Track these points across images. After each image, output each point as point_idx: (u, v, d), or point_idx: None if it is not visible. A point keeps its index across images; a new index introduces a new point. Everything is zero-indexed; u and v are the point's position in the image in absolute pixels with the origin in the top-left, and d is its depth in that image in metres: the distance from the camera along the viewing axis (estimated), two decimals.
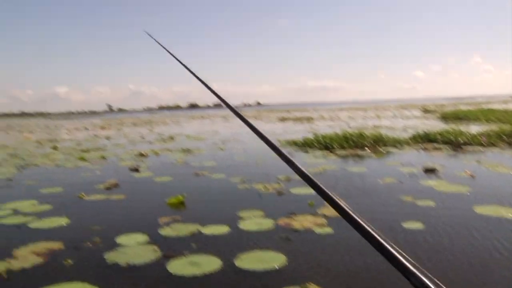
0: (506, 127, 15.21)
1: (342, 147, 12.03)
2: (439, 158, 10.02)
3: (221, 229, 4.90)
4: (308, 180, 0.77)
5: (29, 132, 33.45)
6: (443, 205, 5.72)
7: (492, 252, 4.00)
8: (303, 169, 0.79)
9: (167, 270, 3.75)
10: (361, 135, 12.89)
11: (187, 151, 13.32)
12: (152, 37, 1.96)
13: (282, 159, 0.88)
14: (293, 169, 0.81)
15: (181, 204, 6.18)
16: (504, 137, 13.07)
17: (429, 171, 8.17)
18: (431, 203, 5.77)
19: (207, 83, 1.35)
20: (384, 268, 3.68)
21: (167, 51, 1.74)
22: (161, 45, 1.80)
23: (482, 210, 5.40)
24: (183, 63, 1.62)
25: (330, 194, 0.72)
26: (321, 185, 0.75)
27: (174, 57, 1.68)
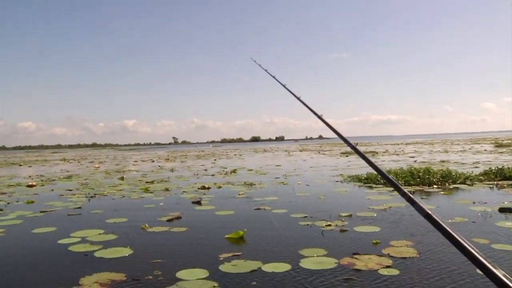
0: None
1: (408, 183, 11.55)
2: None
3: (282, 267, 4.76)
4: (433, 221, 0.71)
5: (99, 163, 35.18)
6: None
7: None
8: (426, 209, 0.72)
9: None
10: (428, 171, 12.33)
11: (249, 185, 13.35)
12: (260, 65, 2.04)
13: (405, 199, 0.82)
14: (415, 208, 0.76)
15: (242, 239, 6.13)
16: None
17: (506, 210, 7.60)
18: (510, 248, 5.31)
19: (316, 112, 1.33)
20: None
21: (275, 79, 1.77)
22: (270, 74, 1.85)
23: None
24: (292, 91, 1.63)
25: (458, 237, 0.66)
26: (447, 228, 0.70)
27: (283, 85, 1.69)
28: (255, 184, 13.37)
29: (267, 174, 17.75)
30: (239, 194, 11.07)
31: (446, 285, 4.09)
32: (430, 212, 0.72)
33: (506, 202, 8.21)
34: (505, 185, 11.01)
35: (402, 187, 0.86)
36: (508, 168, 12.83)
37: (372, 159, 0.98)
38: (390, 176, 0.86)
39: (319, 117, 1.28)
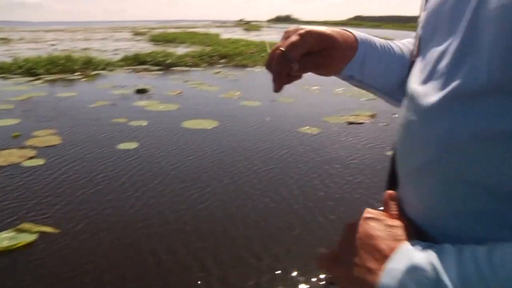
0: (207, 49, 16.77)
1: (49, 72, 11.04)
2: (149, 79, 10.35)
3: None
4: None
5: None
6: (155, 123, 6.02)
7: (191, 158, 4.51)
8: None
9: None
10: (69, 58, 12.06)
11: None
12: None
13: None
14: None
15: None
16: (206, 58, 14.44)
17: (141, 92, 8.38)
18: (143, 123, 5.99)
19: None
20: (103, 188, 3.70)
21: None
22: None
23: (188, 124, 5.97)
24: None
25: None
26: None
27: None
28: None
29: None
30: None
31: (97, 164, 4.34)
32: None
33: (141, 84, 9.03)
34: (141, 70, 12.02)
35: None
36: (143, 53, 13.95)
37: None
38: None
39: None
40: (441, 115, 0.48)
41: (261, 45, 18.99)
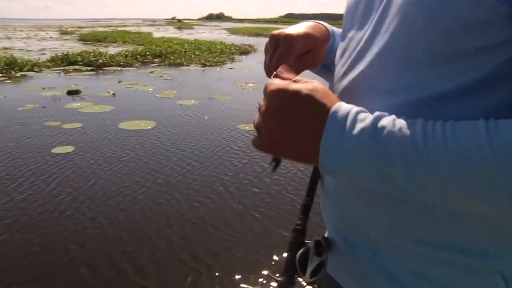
0: (140, 48, 16.45)
1: None
2: (81, 79, 10.00)
3: None
4: None
5: None
6: (90, 125, 5.86)
7: (126, 160, 4.48)
8: None
9: None
10: None
11: None
12: None
13: None
14: None
15: None
16: (139, 57, 14.18)
17: (73, 93, 8.11)
18: (78, 125, 5.82)
19: None
20: None
21: None
22: None
23: (125, 125, 5.87)
24: None
25: None
26: None
27: None
28: None
29: None
30: None
31: (27, 170, 4.19)
32: None
33: (72, 85, 8.74)
34: (71, 70, 11.58)
35: None
36: (73, 53, 13.45)
37: None
38: None
39: None
40: (358, 92, 0.60)
41: (195, 43, 18.91)
